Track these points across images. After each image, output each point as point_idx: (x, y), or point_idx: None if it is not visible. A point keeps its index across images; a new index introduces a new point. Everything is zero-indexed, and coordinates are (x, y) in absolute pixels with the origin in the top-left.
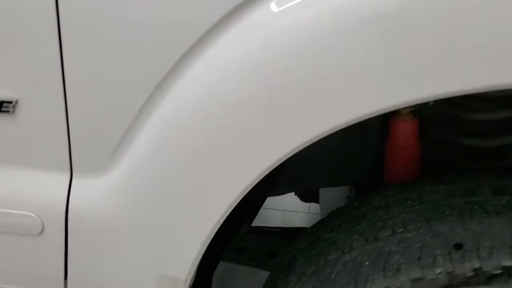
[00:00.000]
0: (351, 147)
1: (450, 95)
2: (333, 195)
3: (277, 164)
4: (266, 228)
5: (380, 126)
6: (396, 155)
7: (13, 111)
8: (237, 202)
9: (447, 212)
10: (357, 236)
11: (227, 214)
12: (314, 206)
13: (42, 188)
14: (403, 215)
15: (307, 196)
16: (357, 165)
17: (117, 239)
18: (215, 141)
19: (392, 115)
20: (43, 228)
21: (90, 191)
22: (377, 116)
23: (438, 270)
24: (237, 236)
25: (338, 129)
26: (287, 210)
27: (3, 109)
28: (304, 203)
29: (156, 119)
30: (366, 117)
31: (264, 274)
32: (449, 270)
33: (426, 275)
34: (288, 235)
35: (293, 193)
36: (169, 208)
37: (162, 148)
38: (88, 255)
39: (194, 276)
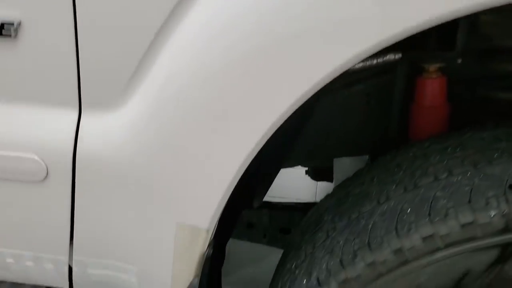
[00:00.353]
0: (372, 113)
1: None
2: (348, 167)
3: (302, 100)
4: (279, 203)
5: (404, 88)
6: (423, 115)
7: (15, 35)
8: (263, 142)
9: (495, 155)
10: (394, 186)
11: (252, 157)
12: (319, 195)
13: (47, 127)
14: (445, 162)
15: (319, 173)
16: (377, 132)
17: (131, 185)
18: (238, 73)
19: (419, 74)
20: (47, 173)
21: (101, 130)
22: (401, 77)
23: (493, 213)
24: (248, 211)
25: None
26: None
27: (3, 32)
28: (309, 193)
29: (175, 45)
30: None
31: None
32: (504, 212)
33: (478, 219)
34: (303, 210)
35: (303, 174)
36: (190, 148)
37: (182, 80)
38: (97, 203)
39: (215, 228)
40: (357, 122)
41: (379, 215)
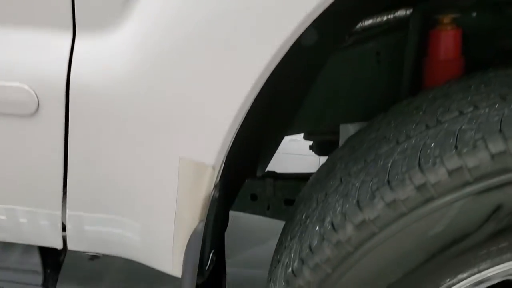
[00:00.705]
0: (382, 73)
1: None
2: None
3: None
4: (283, 173)
5: (417, 43)
6: (437, 70)
7: None
8: (270, 68)
9: None
10: (414, 125)
11: (258, 88)
12: None
13: (37, 52)
14: (469, 98)
15: (323, 148)
16: (388, 95)
17: (130, 117)
18: None
19: (432, 28)
20: (38, 106)
21: (97, 55)
22: (414, 31)
23: None
24: (252, 181)
25: None
26: None
27: None
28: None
29: None
30: None
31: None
32: None
33: (511, 148)
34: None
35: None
36: (193, 75)
37: None
38: (93, 140)
39: (222, 166)
40: (366, 83)
41: (399, 154)
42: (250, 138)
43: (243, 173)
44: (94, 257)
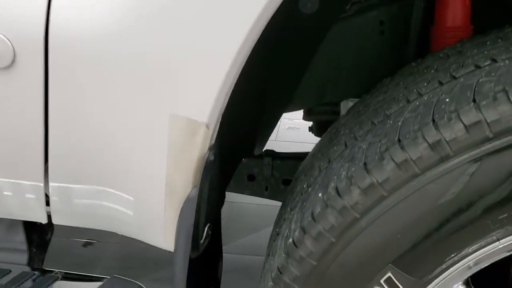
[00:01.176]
0: (386, 45)
1: None
2: None
3: None
4: (281, 153)
5: (423, 11)
6: (445, 38)
7: None
8: (264, 19)
9: None
10: (426, 83)
11: (253, 38)
12: None
13: None
14: (486, 52)
15: (323, 128)
16: (392, 67)
17: (116, 70)
18: None
19: None
20: (14, 57)
21: (79, 1)
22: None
23: None
24: (249, 161)
25: None
26: None
27: None
28: None
29: None
30: None
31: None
32: None
33: None
34: None
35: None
36: (184, 22)
37: None
38: (76, 97)
39: (217, 127)
40: (369, 55)
41: (410, 112)
42: (248, 105)
43: (241, 148)
44: (88, 244)
